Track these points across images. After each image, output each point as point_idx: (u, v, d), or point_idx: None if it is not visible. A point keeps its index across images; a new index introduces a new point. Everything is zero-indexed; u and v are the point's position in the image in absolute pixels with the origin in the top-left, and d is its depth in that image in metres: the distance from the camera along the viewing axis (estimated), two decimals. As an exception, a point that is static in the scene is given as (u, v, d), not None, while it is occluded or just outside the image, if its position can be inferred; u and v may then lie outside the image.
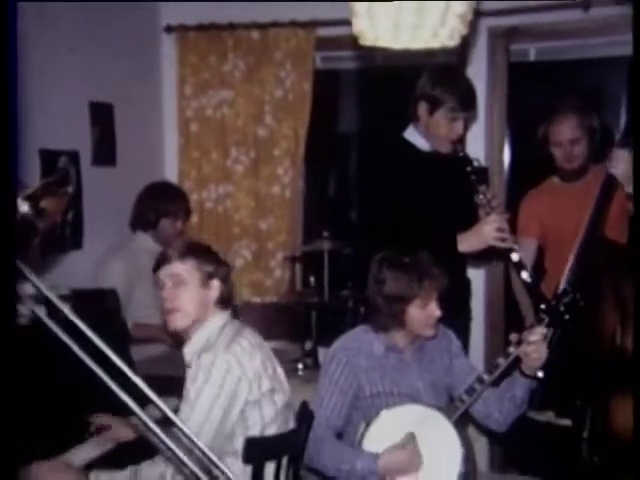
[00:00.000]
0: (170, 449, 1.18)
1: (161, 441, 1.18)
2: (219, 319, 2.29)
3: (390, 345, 2.52)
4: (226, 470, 1.19)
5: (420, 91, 2.92)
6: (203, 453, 1.20)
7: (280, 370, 2.39)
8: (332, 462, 2.35)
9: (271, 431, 2.22)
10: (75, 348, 1.23)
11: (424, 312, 2.44)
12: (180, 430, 1.20)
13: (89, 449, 2.39)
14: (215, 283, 2.28)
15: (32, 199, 1.35)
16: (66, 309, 1.26)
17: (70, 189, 1.46)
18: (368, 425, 2.38)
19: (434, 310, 2.44)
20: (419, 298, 2.41)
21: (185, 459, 1.18)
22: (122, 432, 2.44)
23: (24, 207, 1.34)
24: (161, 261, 2.29)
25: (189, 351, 2.26)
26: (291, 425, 2.33)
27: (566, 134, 3.21)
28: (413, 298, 2.41)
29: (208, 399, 2.10)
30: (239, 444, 2.15)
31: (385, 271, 2.45)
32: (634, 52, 2.26)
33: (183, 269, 2.25)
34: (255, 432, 2.18)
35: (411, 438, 2.33)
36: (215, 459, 1.20)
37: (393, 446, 2.33)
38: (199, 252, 2.31)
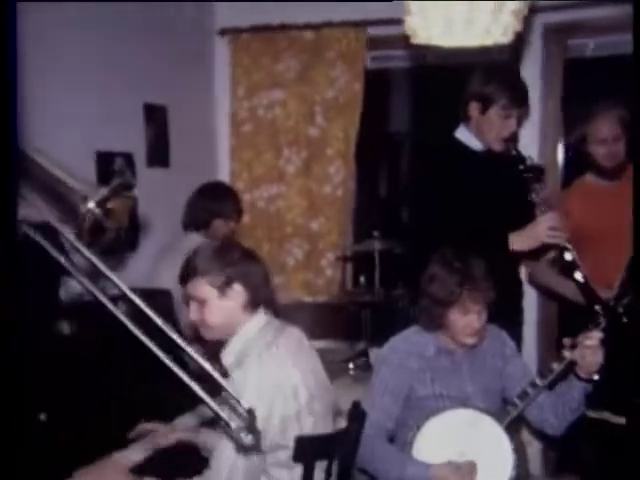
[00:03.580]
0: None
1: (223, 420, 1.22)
2: (254, 324, 2.19)
3: (441, 347, 2.50)
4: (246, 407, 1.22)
5: (471, 89, 2.89)
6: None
7: (322, 372, 2.31)
8: (382, 466, 2.34)
9: None
10: (151, 345, 1.26)
11: (464, 320, 2.40)
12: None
13: (131, 453, 2.42)
14: (236, 288, 2.16)
15: (102, 201, 1.39)
16: (150, 311, 1.29)
17: (136, 191, 1.48)
18: (418, 428, 2.37)
19: (474, 320, 2.40)
20: (460, 305, 2.38)
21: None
22: (165, 438, 2.46)
23: (95, 209, 1.37)
24: (181, 280, 2.22)
25: (225, 356, 2.20)
26: (330, 427, 2.30)
27: (609, 131, 3.13)
28: (453, 303, 2.38)
29: (231, 452, 2.01)
30: (282, 456, 2.11)
31: (434, 271, 2.44)
32: (634, 52, 2.19)
33: (198, 288, 2.16)
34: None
35: (472, 465, 2.29)
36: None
37: (448, 463, 2.30)
38: (211, 262, 2.17)
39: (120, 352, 2.20)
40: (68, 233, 1.37)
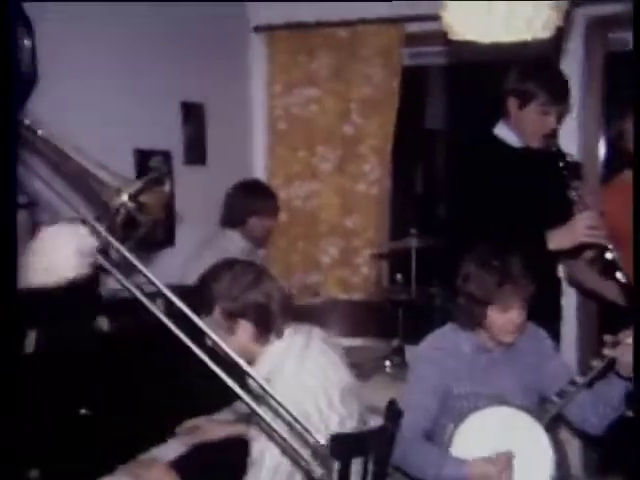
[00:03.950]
0: (273, 429, 1.23)
1: (264, 421, 1.23)
2: (274, 352, 2.13)
3: (478, 345, 2.48)
4: (316, 435, 1.20)
5: (510, 85, 2.86)
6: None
7: (350, 383, 2.23)
8: (419, 464, 2.33)
9: None
10: (189, 343, 1.27)
11: (503, 317, 2.38)
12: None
13: (169, 449, 2.44)
14: (242, 323, 2.11)
15: (135, 195, 1.40)
16: (185, 308, 1.30)
17: (168, 185, 1.49)
18: (456, 427, 2.35)
19: (514, 317, 2.38)
20: (499, 302, 2.36)
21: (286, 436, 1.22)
22: (208, 433, 2.47)
23: (128, 202, 1.38)
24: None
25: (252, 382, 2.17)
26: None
27: None
28: (492, 301, 2.36)
29: (273, 456, 1.99)
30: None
31: (471, 269, 2.42)
32: (634, 51, 2.15)
33: (214, 320, 2.10)
34: None
35: (508, 455, 2.27)
36: (307, 426, 1.21)
37: (485, 458, 2.28)
38: (215, 301, 2.10)
39: (158, 348, 2.22)
40: (104, 230, 1.38)
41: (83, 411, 2.22)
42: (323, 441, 1.20)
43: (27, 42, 2.75)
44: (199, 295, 2.13)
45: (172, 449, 2.40)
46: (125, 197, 1.39)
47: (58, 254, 1.41)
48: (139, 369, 2.46)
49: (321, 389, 2.09)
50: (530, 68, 2.87)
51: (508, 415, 2.36)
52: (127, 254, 1.36)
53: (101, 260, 1.42)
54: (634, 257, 2.27)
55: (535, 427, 2.34)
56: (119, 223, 1.40)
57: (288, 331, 2.18)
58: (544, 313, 2.68)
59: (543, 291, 2.46)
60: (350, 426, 2.17)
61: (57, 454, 2.07)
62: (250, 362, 2.11)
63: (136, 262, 1.35)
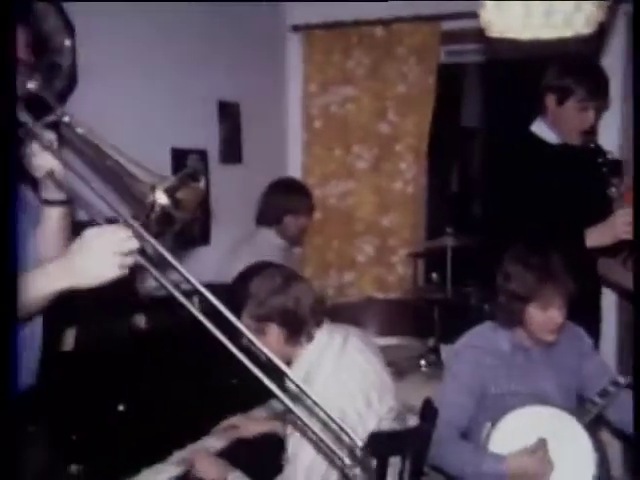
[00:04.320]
0: (307, 426, 1.24)
1: (299, 419, 1.24)
2: (308, 354, 2.13)
3: (517, 343, 2.45)
4: (353, 436, 1.20)
5: (548, 81, 2.83)
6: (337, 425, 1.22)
7: (384, 374, 2.24)
8: (456, 462, 2.31)
9: None
10: (225, 340, 1.28)
11: (544, 315, 2.36)
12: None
13: (209, 442, 2.46)
14: (272, 326, 2.12)
15: (169, 190, 1.41)
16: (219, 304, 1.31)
17: (203, 182, 1.50)
18: (494, 425, 2.33)
19: (555, 315, 2.36)
20: (540, 300, 2.33)
21: (321, 435, 1.22)
22: (244, 431, 2.48)
23: (163, 198, 1.40)
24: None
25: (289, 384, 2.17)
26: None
27: None
28: (533, 298, 2.34)
29: (309, 455, 2.00)
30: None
31: (511, 267, 2.40)
32: (634, 51, 2.10)
33: (245, 322, 2.10)
34: None
35: (542, 444, 2.25)
36: (343, 425, 1.22)
37: (522, 450, 2.26)
38: (247, 300, 2.13)
39: (194, 346, 2.24)
40: (141, 228, 1.39)
41: (121, 407, 2.25)
42: (360, 442, 1.19)
43: (68, 42, 2.79)
44: (231, 298, 2.12)
45: (212, 443, 2.42)
46: (160, 194, 1.40)
47: (97, 255, 1.43)
48: (175, 366, 2.48)
49: (359, 389, 2.09)
50: (569, 64, 2.84)
51: (548, 414, 2.33)
52: (165, 253, 1.37)
53: (141, 261, 1.43)
54: (635, 260, 2.24)
55: (576, 427, 2.31)
56: (154, 219, 1.41)
57: (323, 331, 2.18)
58: (583, 312, 2.64)
59: (583, 290, 2.43)
60: (388, 425, 2.17)
61: (96, 449, 2.10)
62: (285, 364, 2.13)
63: (173, 260, 1.37)
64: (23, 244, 1.66)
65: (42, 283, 1.46)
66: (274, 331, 2.13)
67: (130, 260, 1.43)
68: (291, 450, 2.05)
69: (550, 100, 2.84)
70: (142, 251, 1.45)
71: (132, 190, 1.45)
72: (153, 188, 1.40)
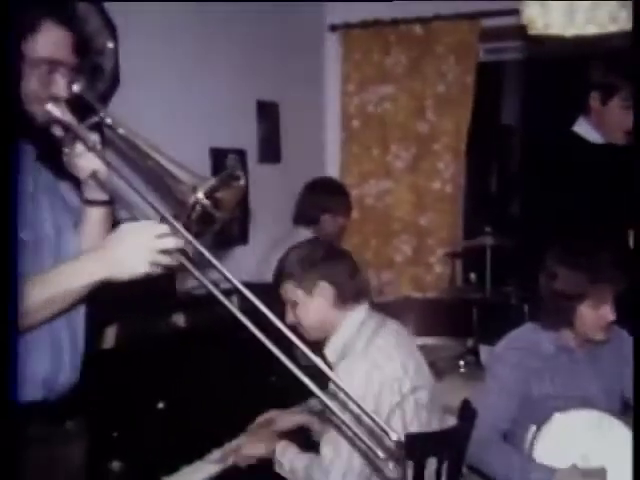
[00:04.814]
0: (344, 423, 1.24)
1: (336, 416, 1.24)
2: (353, 319, 2.22)
3: (560, 345, 2.41)
4: (389, 430, 1.20)
5: (592, 79, 2.79)
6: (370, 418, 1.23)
7: (424, 364, 2.30)
8: (501, 468, 2.27)
9: (412, 429, 2.18)
10: (263, 338, 1.28)
11: (596, 313, 2.32)
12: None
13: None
14: (322, 286, 2.20)
15: (210, 191, 1.42)
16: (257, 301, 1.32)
17: (243, 182, 1.52)
18: (539, 429, 2.29)
19: (607, 313, 2.32)
20: (591, 298, 2.30)
21: (356, 430, 1.22)
22: (282, 422, 2.49)
23: (203, 199, 1.40)
24: (274, 285, 2.30)
25: (329, 353, 2.23)
26: (435, 422, 2.29)
27: None
28: (585, 297, 2.30)
29: (345, 452, 2.03)
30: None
31: (557, 266, 2.36)
32: (634, 51, 2.04)
33: (288, 290, 2.24)
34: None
35: (602, 474, 2.20)
36: (379, 421, 1.22)
37: (573, 468, 2.21)
38: (295, 264, 2.24)
39: (232, 344, 2.26)
40: (182, 228, 1.40)
41: (160, 405, 2.27)
42: (394, 437, 1.19)
43: (110, 44, 2.82)
44: (278, 271, 2.28)
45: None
46: (201, 194, 1.41)
47: (131, 249, 1.45)
48: (214, 364, 2.50)
49: (398, 357, 2.15)
50: (613, 60, 2.79)
51: (594, 418, 2.29)
52: (205, 252, 1.38)
53: (182, 259, 1.44)
54: (633, 257, 2.20)
55: (624, 431, 2.26)
56: (195, 220, 1.42)
57: (362, 308, 2.26)
58: (628, 314, 2.60)
59: (627, 291, 2.39)
60: (423, 397, 2.19)
61: (136, 446, 2.12)
62: (329, 330, 2.22)
63: (213, 260, 1.37)
64: (64, 243, 1.68)
65: (76, 274, 1.48)
66: (324, 291, 2.20)
67: (164, 258, 1.45)
68: (327, 448, 2.07)
69: (594, 98, 2.79)
70: (181, 250, 1.46)
71: (173, 190, 1.47)
72: (194, 189, 1.41)
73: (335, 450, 2.05)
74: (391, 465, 1.24)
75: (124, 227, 1.48)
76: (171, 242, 1.44)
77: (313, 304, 2.21)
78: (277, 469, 2.18)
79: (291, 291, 2.23)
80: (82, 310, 1.71)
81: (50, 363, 1.59)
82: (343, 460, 2.04)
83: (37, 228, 1.60)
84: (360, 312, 2.25)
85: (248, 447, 2.26)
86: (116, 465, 2.04)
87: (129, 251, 1.45)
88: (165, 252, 1.44)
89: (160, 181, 1.51)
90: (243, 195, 1.51)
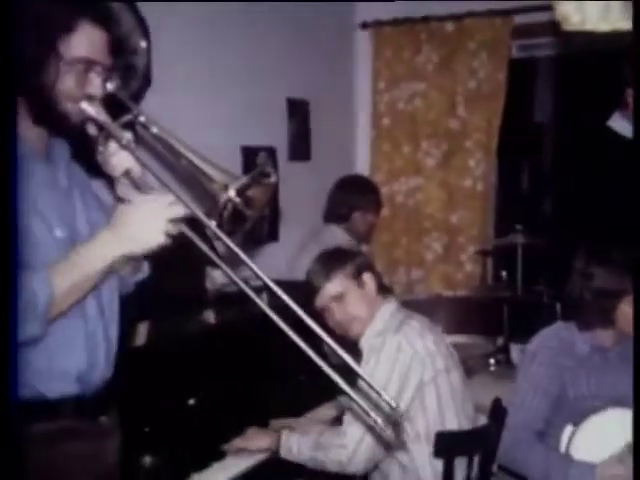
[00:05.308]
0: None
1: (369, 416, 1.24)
2: (386, 309, 2.31)
3: (595, 345, 2.38)
4: (383, 393, 1.24)
5: (629, 74, 2.75)
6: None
7: (454, 352, 2.35)
8: (538, 467, 2.25)
9: (450, 412, 2.19)
10: (293, 335, 1.29)
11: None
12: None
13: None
14: (366, 276, 2.32)
15: (242, 189, 1.42)
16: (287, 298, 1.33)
17: (274, 179, 1.53)
18: (575, 429, 2.26)
19: None
20: (632, 294, 2.27)
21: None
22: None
23: (235, 197, 1.41)
24: (312, 292, 2.32)
25: (364, 341, 2.28)
26: (470, 411, 2.29)
27: None
28: (625, 294, 2.27)
29: (381, 378, 2.10)
30: (420, 427, 2.15)
31: (593, 265, 2.33)
32: (634, 51, 1.99)
33: (338, 285, 2.29)
34: (432, 413, 2.16)
35: (629, 450, 2.17)
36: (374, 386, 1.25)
37: (611, 458, 2.19)
38: (336, 261, 2.33)
39: (263, 341, 2.26)
40: (212, 225, 1.41)
41: (191, 402, 2.29)
42: (389, 400, 1.24)
43: (143, 44, 2.84)
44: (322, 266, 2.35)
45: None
46: (232, 192, 1.42)
47: (141, 221, 1.47)
48: (244, 362, 2.51)
49: (429, 337, 2.23)
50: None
51: (629, 417, 2.26)
52: (235, 248, 1.39)
53: (185, 229, 1.46)
54: (634, 263, 2.17)
55: None
56: (226, 218, 1.43)
57: (392, 301, 2.37)
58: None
59: None
60: (456, 380, 2.24)
61: (168, 442, 2.14)
62: (369, 319, 2.28)
63: (244, 257, 1.38)
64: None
65: (95, 257, 1.49)
66: (369, 280, 2.32)
67: (174, 228, 1.46)
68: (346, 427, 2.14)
69: (630, 93, 2.75)
70: (210, 246, 1.47)
71: (205, 189, 1.48)
72: (226, 187, 1.42)
73: (351, 427, 2.11)
74: (389, 430, 1.25)
75: (132, 201, 1.50)
76: (180, 211, 1.46)
77: (363, 293, 2.30)
78: (285, 455, 2.22)
79: (341, 284, 2.29)
80: (116, 307, 1.73)
81: (85, 359, 1.61)
82: (359, 435, 2.09)
83: (71, 225, 1.62)
84: (391, 303, 2.33)
85: (253, 441, 2.29)
86: (147, 460, 2.06)
87: (142, 225, 1.47)
88: (174, 222, 1.46)
89: (192, 179, 1.52)
90: (274, 192, 1.52)
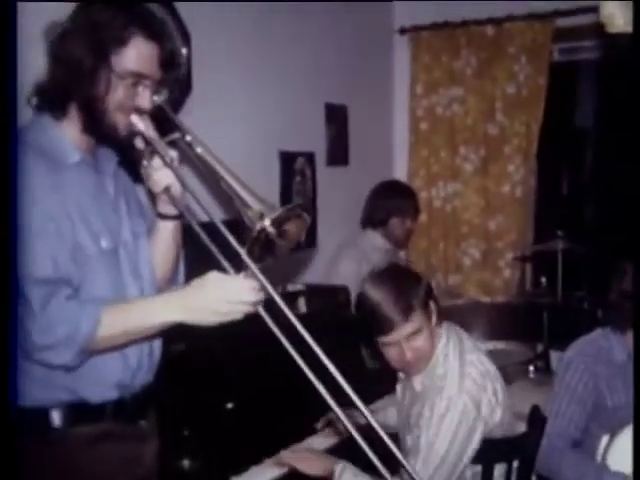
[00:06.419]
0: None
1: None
2: (441, 339, 2.13)
3: (631, 351, 2.35)
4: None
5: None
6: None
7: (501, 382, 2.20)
8: (572, 476, 2.23)
9: None
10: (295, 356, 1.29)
11: None
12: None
13: (322, 439, 2.48)
14: (432, 306, 2.12)
15: (276, 220, 1.44)
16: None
17: (307, 220, 1.55)
18: (612, 438, 2.23)
19: None
20: None
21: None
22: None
23: (269, 227, 1.43)
24: (387, 329, 2.05)
25: (419, 381, 2.15)
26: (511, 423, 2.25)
27: None
28: None
29: (444, 444, 1.99)
30: (466, 476, 2.11)
31: (631, 270, 2.30)
32: (634, 51, 1.93)
33: (416, 321, 2.05)
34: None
35: None
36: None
37: None
38: (410, 293, 2.06)
39: (300, 346, 2.26)
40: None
41: (230, 405, 2.30)
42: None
43: (184, 50, 2.86)
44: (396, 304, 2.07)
45: (321, 440, 2.43)
46: (267, 222, 1.44)
47: (210, 300, 1.47)
48: (282, 366, 2.51)
49: (486, 379, 2.09)
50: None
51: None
52: (268, 286, 1.40)
53: (262, 312, 1.46)
54: (634, 261, 2.12)
55: None
56: (258, 245, 1.45)
57: (444, 326, 2.18)
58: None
59: None
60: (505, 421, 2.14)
61: (206, 446, 2.16)
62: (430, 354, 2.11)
63: (276, 296, 1.39)
64: (140, 249, 1.72)
65: (155, 313, 1.51)
66: (434, 307, 2.11)
67: (242, 308, 1.46)
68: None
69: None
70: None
71: (241, 213, 1.49)
72: (261, 216, 1.44)
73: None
74: None
75: (211, 276, 1.48)
76: (261, 296, 1.45)
77: (430, 326, 2.09)
78: None
79: (418, 319, 2.05)
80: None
81: (129, 365, 1.63)
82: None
83: (117, 235, 1.64)
84: (444, 335, 2.14)
85: (305, 466, 2.16)
86: (186, 464, 2.08)
87: (209, 303, 1.47)
88: (247, 305, 1.46)
89: (231, 201, 1.54)
90: (306, 229, 1.54)
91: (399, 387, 2.30)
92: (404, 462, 1.31)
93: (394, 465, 1.37)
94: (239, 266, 1.46)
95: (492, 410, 2.07)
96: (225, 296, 1.46)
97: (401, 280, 2.12)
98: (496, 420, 2.08)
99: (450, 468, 2.01)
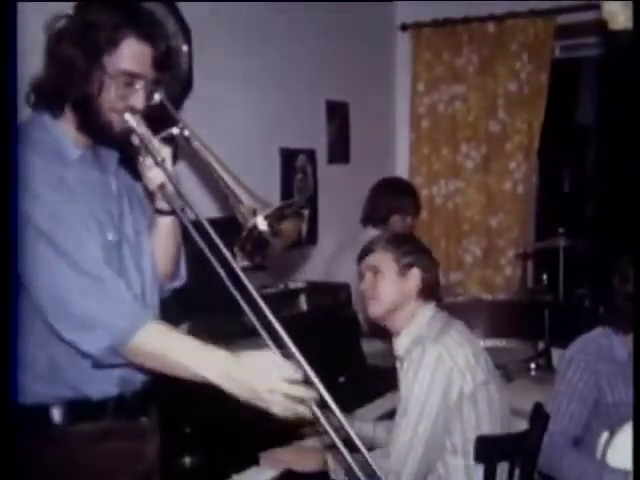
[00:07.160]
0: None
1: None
2: (426, 312, 2.25)
3: (632, 350, 2.35)
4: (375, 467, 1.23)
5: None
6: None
7: (490, 361, 2.29)
8: (573, 473, 2.23)
9: (487, 426, 2.15)
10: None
11: None
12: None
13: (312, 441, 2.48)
14: (414, 272, 2.24)
15: (269, 217, 1.43)
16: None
17: (305, 216, 1.53)
18: (612, 436, 2.24)
19: None
20: None
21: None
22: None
23: (262, 224, 1.42)
24: (362, 253, 2.31)
25: (400, 344, 2.25)
26: (507, 422, 2.25)
27: None
28: None
29: (421, 391, 2.07)
30: (457, 440, 2.12)
31: (631, 268, 2.30)
32: (634, 51, 1.93)
33: (381, 260, 2.25)
34: (470, 426, 2.13)
35: None
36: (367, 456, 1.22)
37: None
38: (398, 243, 2.29)
39: (302, 343, 2.26)
40: (228, 255, 1.41)
41: (231, 402, 2.29)
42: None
43: (185, 47, 2.86)
44: (380, 238, 2.35)
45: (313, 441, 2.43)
46: (260, 219, 1.43)
47: (254, 379, 1.43)
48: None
49: (469, 349, 2.17)
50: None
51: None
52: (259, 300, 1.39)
53: (315, 411, 1.43)
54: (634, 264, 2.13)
55: None
56: (249, 242, 1.44)
57: (431, 307, 2.29)
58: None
59: None
60: (494, 392, 2.19)
61: (207, 443, 2.15)
62: (396, 316, 2.25)
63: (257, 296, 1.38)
64: (143, 244, 1.72)
65: (198, 361, 1.48)
66: (415, 278, 2.24)
67: (286, 405, 1.43)
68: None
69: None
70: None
71: (235, 209, 1.49)
72: (254, 212, 1.43)
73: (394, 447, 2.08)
74: None
75: (269, 358, 1.45)
76: (300, 391, 1.43)
77: (401, 284, 2.24)
78: (335, 476, 2.16)
79: (385, 261, 2.25)
80: (157, 309, 1.75)
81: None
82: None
83: (120, 229, 1.65)
84: (430, 308, 2.27)
85: (300, 464, 2.23)
86: (188, 460, 2.08)
87: (252, 384, 1.43)
88: (292, 398, 1.42)
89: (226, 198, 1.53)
90: (301, 228, 1.52)
91: (397, 364, 2.34)
92: (371, 460, 1.33)
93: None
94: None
95: (472, 369, 2.13)
96: (269, 384, 1.42)
97: (399, 235, 2.41)
98: (478, 381, 2.13)
99: (433, 417, 2.06)
